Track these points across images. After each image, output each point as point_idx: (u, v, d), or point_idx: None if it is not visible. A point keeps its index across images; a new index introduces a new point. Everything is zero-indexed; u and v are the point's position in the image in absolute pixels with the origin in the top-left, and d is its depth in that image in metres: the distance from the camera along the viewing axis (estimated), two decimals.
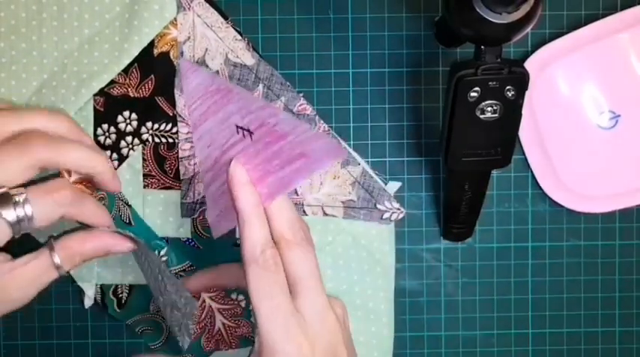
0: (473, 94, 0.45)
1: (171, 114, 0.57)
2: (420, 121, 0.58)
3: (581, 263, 0.60)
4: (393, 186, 0.58)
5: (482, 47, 0.43)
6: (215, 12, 0.56)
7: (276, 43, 0.58)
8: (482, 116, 0.46)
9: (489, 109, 0.46)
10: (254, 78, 0.56)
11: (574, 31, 0.57)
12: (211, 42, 0.56)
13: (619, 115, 0.58)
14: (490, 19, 0.41)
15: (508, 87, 0.45)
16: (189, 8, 0.56)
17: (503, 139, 0.48)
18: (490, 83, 0.44)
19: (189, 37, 0.56)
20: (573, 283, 0.60)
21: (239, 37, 0.56)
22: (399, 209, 0.57)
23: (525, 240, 0.60)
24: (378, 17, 0.58)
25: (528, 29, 0.42)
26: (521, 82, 0.45)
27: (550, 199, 0.58)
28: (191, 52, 0.56)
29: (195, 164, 0.57)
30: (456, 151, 0.48)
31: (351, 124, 0.58)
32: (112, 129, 0.57)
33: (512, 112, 0.46)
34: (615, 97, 0.58)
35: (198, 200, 0.57)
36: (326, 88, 0.58)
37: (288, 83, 0.57)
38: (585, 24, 0.57)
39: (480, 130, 0.47)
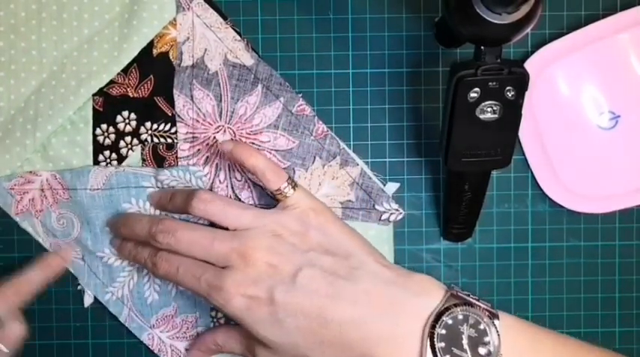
0: (473, 94, 0.44)
1: (170, 114, 0.57)
2: (420, 121, 0.58)
3: (581, 264, 0.59)
4: (392, 187, 0.57)
5: (482, 48, 0.43)
6: (214, 12, 0.56)
7: (276, 44, 0.57)
8: (482, 116, 0.46)
9: (489, 109, 0.45)
10: (253, 78, 0.56)
11: (574, 32, 0.56)
12: (210, 42, 0.56)
13: (619, 116, 0.58)
14: (490, 19, 0.40)
15: (508, 87, 0.44)
16: (188, 8, 0.56)
17: (504, 140, 0.48)
18: (490, 84, 0.44)
19: (188, 38, 0.56)
20: (573, 284, 0.59)
21: (238, 37, 0.56)
22: (397, 210, 0.57)
23: (525, 240, 0.59)
24: (378, 18, 0.57)
25: (528, 30, 0.41)
26: (521, 82, 0.44)
27: (550, 199, 0.58)
28: (190, 53, 0.56)
29: (194, 165, 0.56)
30: (456, 151, 0.48)
31: (351, 125, 0.58)
32: (111, 129, 0.57)
33: (512, 113, 0.46)
34: (615, 97, 0.58)
35: None
36: (326, 89, 0.57)
37: (287, 84, 0.56)
38: (585, 24, 0.56)
39: (480, 131, 0.46)
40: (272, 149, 0.56)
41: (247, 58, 0.56)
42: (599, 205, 0.58)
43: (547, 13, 0.57)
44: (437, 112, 0.58)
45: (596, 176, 0.58)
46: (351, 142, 0.58)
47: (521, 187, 0.59)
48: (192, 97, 0.56)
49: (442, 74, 0.58)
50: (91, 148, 0.56)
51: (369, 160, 0.58)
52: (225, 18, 0.56)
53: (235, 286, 0.47)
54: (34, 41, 0.56)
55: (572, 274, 0.59)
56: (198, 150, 0.56)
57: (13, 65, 0.56)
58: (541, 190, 0.58)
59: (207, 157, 0.57)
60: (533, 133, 0.57)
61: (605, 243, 0.59)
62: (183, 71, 0.56)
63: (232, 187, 0.57)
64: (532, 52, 0.56)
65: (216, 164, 0.56)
